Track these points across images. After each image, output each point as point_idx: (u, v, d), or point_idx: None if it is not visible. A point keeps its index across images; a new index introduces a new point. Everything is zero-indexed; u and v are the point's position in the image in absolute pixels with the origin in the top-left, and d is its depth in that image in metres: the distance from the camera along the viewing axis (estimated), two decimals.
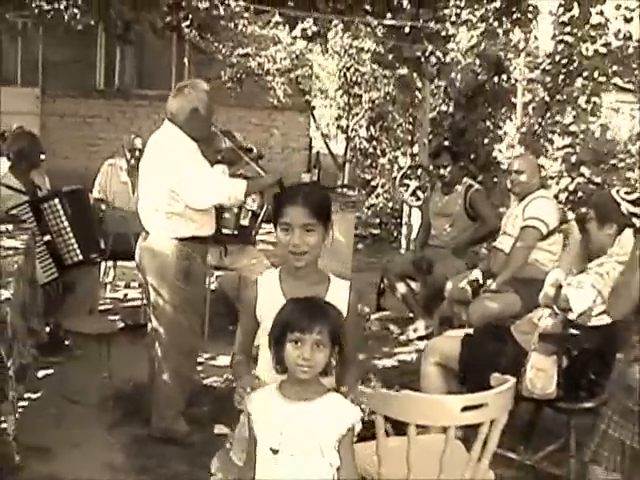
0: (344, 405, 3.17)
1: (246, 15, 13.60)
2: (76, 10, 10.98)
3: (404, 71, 11.41)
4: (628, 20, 9.94)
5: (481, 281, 6.82)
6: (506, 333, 5.32)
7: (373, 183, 15.66)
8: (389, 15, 9.54)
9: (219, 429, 5.35)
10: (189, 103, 5.48)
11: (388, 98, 15.74)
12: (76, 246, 6.99)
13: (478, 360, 5.03)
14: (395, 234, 13.46)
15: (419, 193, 10.28)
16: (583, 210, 5.46)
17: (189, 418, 5.66)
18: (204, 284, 5.61)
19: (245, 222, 7.84)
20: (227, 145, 6.38)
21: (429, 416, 3.48)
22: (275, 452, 3.08)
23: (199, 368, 6.60)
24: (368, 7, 9.58)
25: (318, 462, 3.09)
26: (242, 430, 3.44)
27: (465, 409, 3.44)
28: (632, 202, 4.91)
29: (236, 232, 7.75)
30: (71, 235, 6.98)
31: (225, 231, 7.67)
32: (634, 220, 4.86)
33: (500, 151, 13.59)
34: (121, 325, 6.30)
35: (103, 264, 7.95)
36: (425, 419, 3.48)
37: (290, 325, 3.09)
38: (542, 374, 4.76)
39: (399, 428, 3.58)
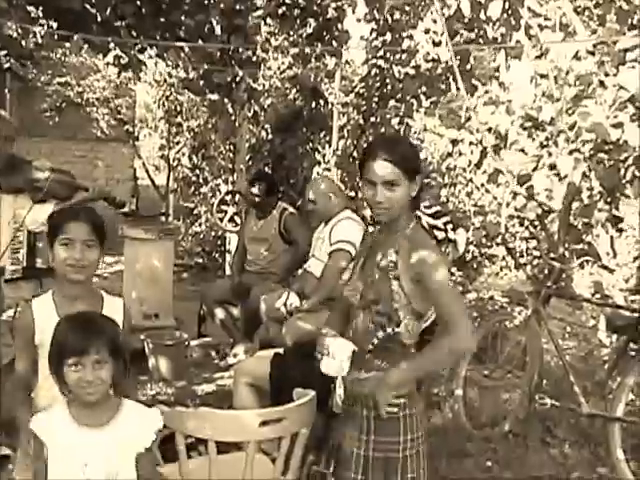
0: (143, 414, 3.15)
1: (67, 44, 13.27)
2: None
3: (215, 97, 11.34)
4: (437, 44, 10.25)
5: (296, 302, 6.84)
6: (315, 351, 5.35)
7: (196, 212, 15.57)
8: (200, 42, 9.47)
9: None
10: None
11: (210, 126, 15.68)
12: None
13: (288, 379, 5.01)
14: (220, 262, 13.42)
15: (237, 219, 10.27)
16: None
17: None
18: None
19: None
20: (49, 177, 6.09)
21: (227, 432, 3.47)
22: None
23: None
24: (182, 34, 9.49)
25: None
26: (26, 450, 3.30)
27: (264, 423, 3.45)
28: (432, 215, 4.99)
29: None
30: None
31: (39, 265, 7.51)
32: (435, 233, 4.94)
33: (319, 174, 13.66)
34: None
35: None
36: (223, 435, 3.46)
37: (66, 350, 3.02)
38: None
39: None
